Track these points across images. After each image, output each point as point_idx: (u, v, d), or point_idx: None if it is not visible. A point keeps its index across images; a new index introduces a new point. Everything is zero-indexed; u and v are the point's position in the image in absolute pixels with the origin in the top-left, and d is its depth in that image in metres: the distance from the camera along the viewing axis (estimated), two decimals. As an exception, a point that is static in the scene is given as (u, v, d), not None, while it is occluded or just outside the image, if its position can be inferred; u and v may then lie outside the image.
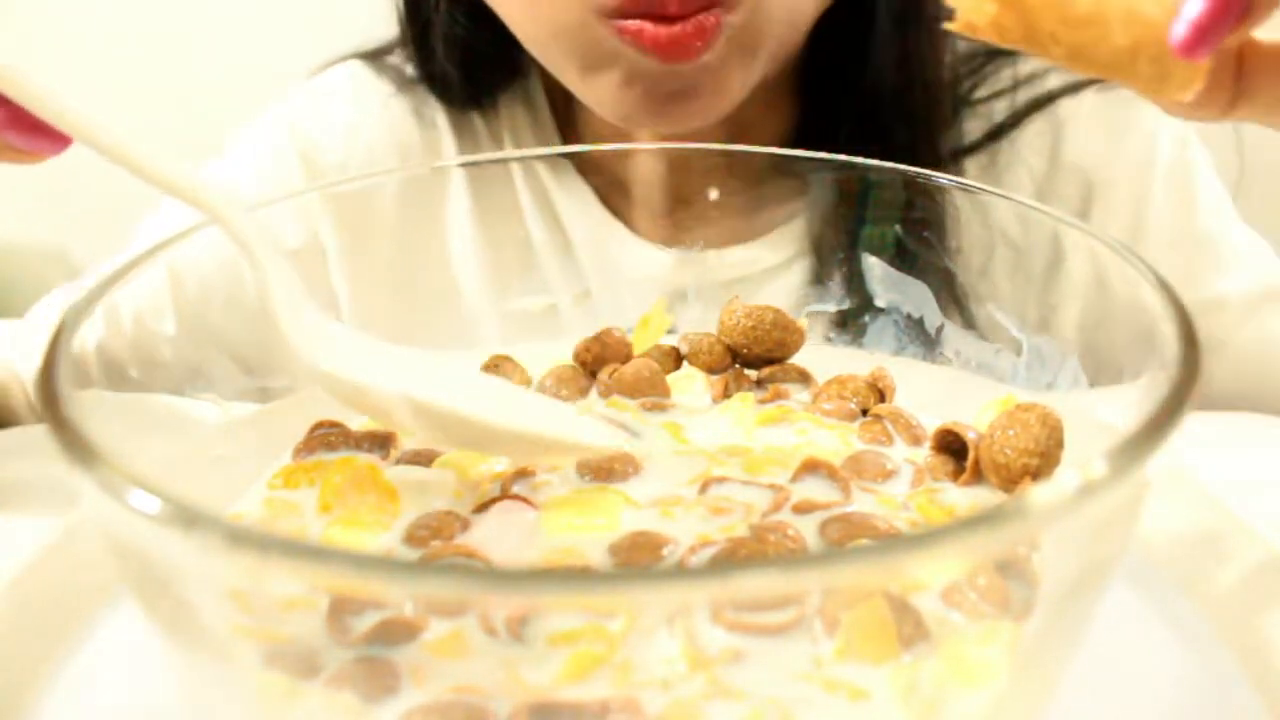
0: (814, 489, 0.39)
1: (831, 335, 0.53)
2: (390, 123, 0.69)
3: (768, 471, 0.40)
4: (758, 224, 0.65)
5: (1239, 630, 0.38)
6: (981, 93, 0.67)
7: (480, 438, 0.38)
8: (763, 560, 0.30)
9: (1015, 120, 0.66)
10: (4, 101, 0.36)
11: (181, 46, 1.44)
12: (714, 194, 0.56)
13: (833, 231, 0.57)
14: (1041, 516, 0.26)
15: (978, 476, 0.40)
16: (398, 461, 0.42)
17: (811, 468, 0.39)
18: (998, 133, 0.66)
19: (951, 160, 0.66)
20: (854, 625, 0.30)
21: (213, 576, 0.27)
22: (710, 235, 0.60)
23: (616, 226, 0.67)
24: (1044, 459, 0.38)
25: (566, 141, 0.70)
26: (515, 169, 0.68)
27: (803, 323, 0.49)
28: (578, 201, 0.68)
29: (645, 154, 0.59)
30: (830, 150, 0.49)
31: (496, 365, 0.48)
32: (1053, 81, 0.66)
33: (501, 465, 0.40)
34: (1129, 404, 0.33)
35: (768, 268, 0.65)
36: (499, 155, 0.71)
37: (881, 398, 0.46)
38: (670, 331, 0.50)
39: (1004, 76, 0.67)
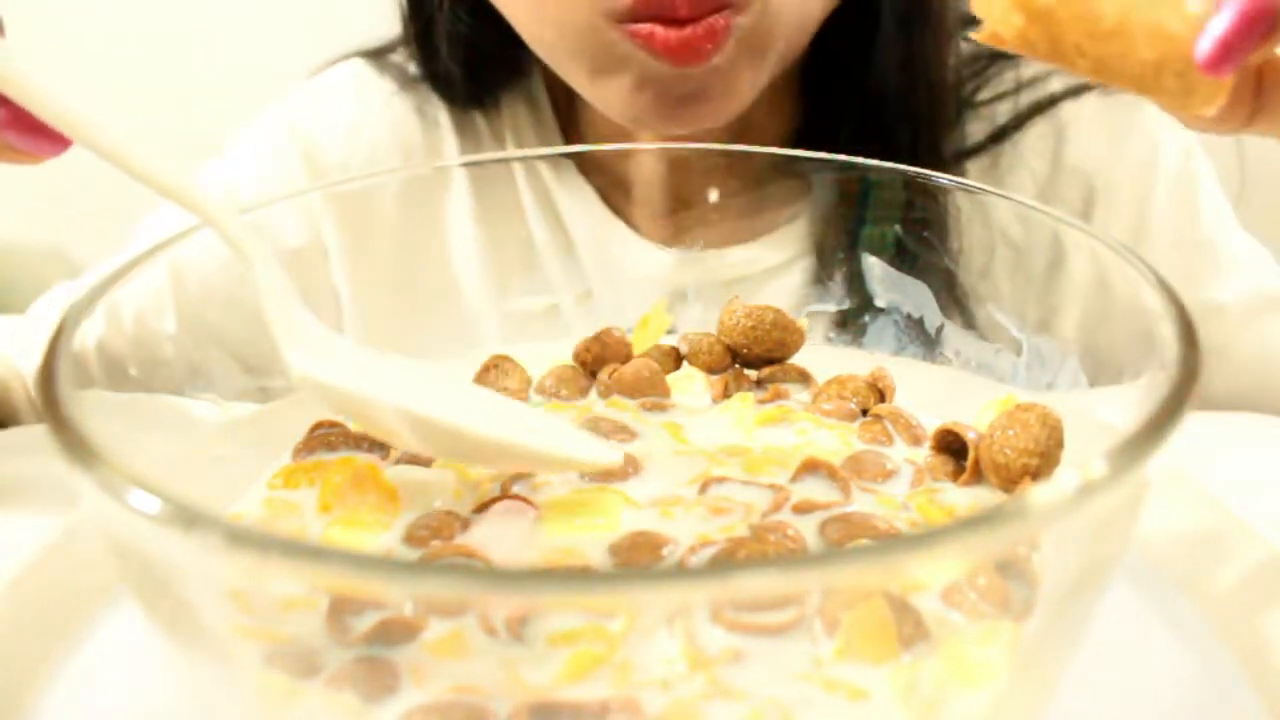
0: (814, 489, 0.39)
1: (831, 335, 0.53)
2: (392, 121, 0.70)
3: (768, 471, 0.40)
4: (759, 224, 0.65)
5: (1239, 630, 0.38)
6: (984, 95, 0.67)
7: (472, 450, 0.38)
8: (763, 560, 0.30)
9: (1018, 123, 0.66)
10: (4, 102, 0.36)
11: (181, 46, 1.44)
12: (715, 194, 0.56)
13: (833, 232, 0.57)
14: (1041, 516, 0.26)
15: (978, 476, 0.40)
16: (398, 461, 0.42)
17: (811, 468, 0.39)
18: (1000, 135, 0.66)
19: (954, 162, 0.66)
20: (854, 625, 0.30)
21: (213, 576, 0.27)
22: (711, 235, 0.60)
23: (618, 226, 0.67)
24: (1044, 459, 0.38)
25: (568, 140, 0.70)
26: (517, 168, 0.68)
27: (803, 323, 0.49)
28: (579, 201, 0.68)
29: (647, 154, 0.59)
30: (833, 151, 0.49)
31: (496, 365, 0.48)
32: (1055, 85, 0.66)
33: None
34: (1129, 404, 0.33)
35: (768, 268, 0.65)
36: (501, 155, 0.71)
37: (881, 398, 0.46)
38: (670, 331, 0.50)
39: (1007, 79, 0.67)
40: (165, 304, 0.59)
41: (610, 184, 0.67)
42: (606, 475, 0.39)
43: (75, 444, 0.27)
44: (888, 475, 0.40)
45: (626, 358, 0.48)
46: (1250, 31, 0.31)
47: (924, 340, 0.50)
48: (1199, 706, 0.36)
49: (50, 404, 0.29)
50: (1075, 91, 0.66)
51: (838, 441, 0.43)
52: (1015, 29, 0.34)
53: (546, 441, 0.39)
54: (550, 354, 0.49)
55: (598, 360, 0.48)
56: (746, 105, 0.58)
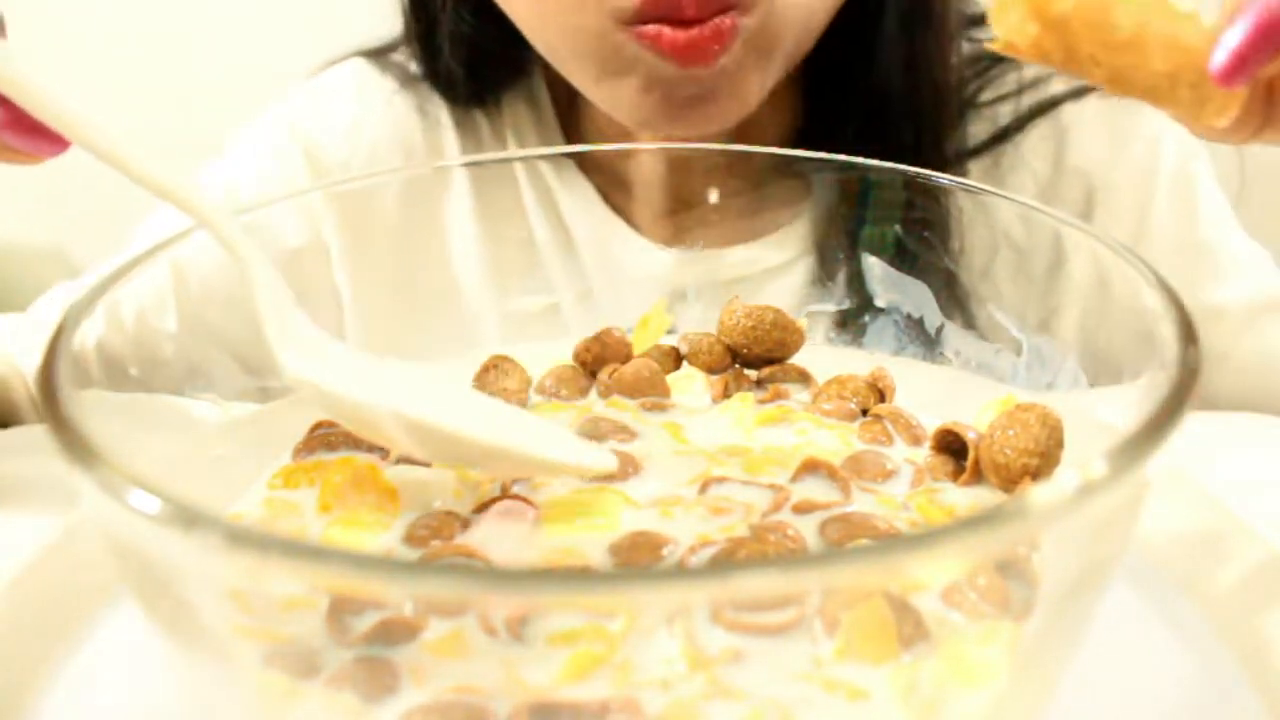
0: (814, 489, 0.39)
1: (831, 335, 0.53)
2: (393, 120, 0.70)
3: (768, 471, 0.40)
4: (759, 224, 0.65)
5: (1239, 630, 0.38)
6: (986, 95, 0.67)
7: (466, 455, 0.38)
8: (763, 560, 0.30)
9: (1019, 124, 0.66)
10: (4, 102, 0.36)
11: (181, 46, 1.44)
12: (716, 194, 0.56)
13: (834, 232, 0.57)
14: (1041, 516, 0.26)
15: (978, 476, 0.40)
16: (398, 461, 0.42)
17: (811, 468, 0.39)
18: (1002, 136, 0.66)
19: (956, 162, 0.66)
20: (854, 625, 0.30)
21: (213, 576, 0.27)
22: (712, 235, 0.60)
23: (619, 225, 0.67)
24: (1044, 459, 0.38)
25: (569, 140, 0.70)
26: (518, 168, 0.68)
27: (803, 323, 0.48)
28: (580, 200, 0.68)
29: (648, 153, 0.59)
30: (836, 151, 0.49)
31: (496, 365, 0.48)
32: (1056, 86, 0.66)
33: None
34: (1129, 404, 0.33)
35: (769, 268, 0.65)
36: (502, 155, 0.71)
37: (881, 398, 0.46)
38: (670, 331, 0.50)
39: (1008, 80, 0.67)
40: (166, 303, 0.59)
41: (611, 183, 0.68)
42: (606, 475, 0.39)
43: (75, 444, 0.27)
44: (888, 475, 0.40)
45: (626, 358, 0.48)
46: (1264, 44, 0.32)
47: (924, 340, 0.50)
48: (1199, 706, 0.36)
49: (50, 404, 0.29)
50: (1077, 93, 0.66)
51: (838, 441, 0.43)
52: (1030, 38, 0.34)
53: (540, 446, 0.39)
54: (550, 354, 0.49)
55: (598, 360, 0.48)
56: (754, 107, 0.59)
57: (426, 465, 0.41)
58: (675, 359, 0.49)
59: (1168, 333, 0.32)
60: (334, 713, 0.29)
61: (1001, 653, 0.30)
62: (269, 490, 0.41)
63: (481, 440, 0.37)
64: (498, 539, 0.36)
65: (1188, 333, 0.31)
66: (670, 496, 0.38)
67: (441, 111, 0.70)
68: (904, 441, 0.43)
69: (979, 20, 0.69)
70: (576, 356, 0.49)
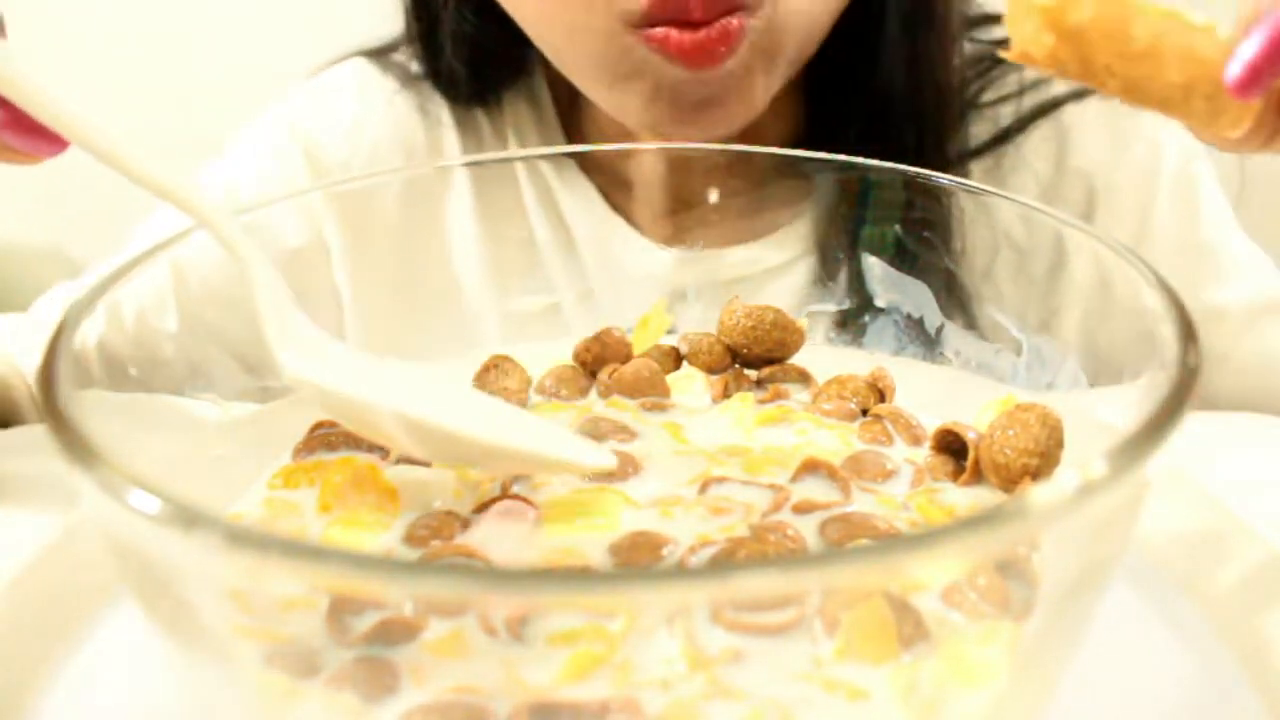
0: (814, 489, 0.39)
1: (831, 335, 0.53)
2: (394, 119, 0.70)
3: (768, 471, 0.40)
4: (759, 224, 0.65)
5: (1239, 630, 0.38)
6: (987, 96, 0.67)
7: (465, 453, 0.38)
8: (763, 560, 0.30)
9: (1021, 125, 0.66)
10: (3, 103, 0.36)
11: (181, 46, 1.44)
12: (716, 194, 0.56)
13: (834, 232, 0.57)
14: (1041, 516, 0.26)
15: (978, 476, 0.40)
16: (398, 461, 0.42)
17: (811, 468, 0.39)
18: (1003, 137, 0.66)
19: (957, 163, 0.66)
20: (854, 625, 0.30)
21: (213, 576, 0.27)
22: (712, 235, 0.60)
23: (620, 225, 0.67)
24: (1044, 459, 0.38)
25: (570, 139, 0.70)
26: (519, 167, 0.68)
27: (803, 323, 0.49)
28: (581, 200, 0.68)
29: (649, 154, 0.59)
30: (839, 152, 0.49)
31: (496, 365, 0.48)
32: (1058, 87, 0.66)
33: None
34: (1129, 404, 0.33)
35: (769, 268, 0.65)
36: (503, 155, 0.71)
37: (881, 398, 0.46)
38: (670, 331, 0.50)
39: (1009, 81, 0.67)
40: (167, 303, 0.59)
41: (612, 183, 0.68)
42: (606, 475, 0.39)
43: (75, 444, 0.27)
44: (888, 475, 0.40)
45: (626, 358, 0.48)
46: (1278, 57, 0.32)
47: (924, 340, 0.50)
48: (1199, 706, 0.36)
49: (50, 404, 0.29)
50: (1078, 95, 0.66)
51: (838, 441, 0.43)
52: (1046, 48, 0.34)
53: (541, 444, 0.39)
54: (550, 354, 0.49)
55: (598, 360, 0.48)
56: (760, 110, 0.59)
57: (426, 465, 0.41)
58: (675, 359, 0.49)
59: (1168, 333, 0.32)
60: (334, 713, 0.29)
61: (1001, 653, 0.30)
62: (269, 490, 0.41)
63: (481, 439, 0.37)
64: (498, 539, 0.36)
65: (1188, 333, 0.31)
66: (670, 496, 0.38)
67: (442, 111, 0.70)
68: (904, 441, 0.43)
69: (980, 21, 0.69)
70: (576, 356, 0.49)
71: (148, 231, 0.67)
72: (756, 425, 0.44)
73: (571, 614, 0.30)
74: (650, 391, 0.46)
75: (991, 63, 0.68)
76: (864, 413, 0.45)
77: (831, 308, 0.54)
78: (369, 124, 0.70)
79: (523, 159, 0.69)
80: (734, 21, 0.54)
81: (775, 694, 0.29)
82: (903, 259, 0.51)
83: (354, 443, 0.43)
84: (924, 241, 0.51)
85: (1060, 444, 0.38)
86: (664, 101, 0.57)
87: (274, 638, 0.30)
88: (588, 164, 0.68)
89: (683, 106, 0.57)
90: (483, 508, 0.38)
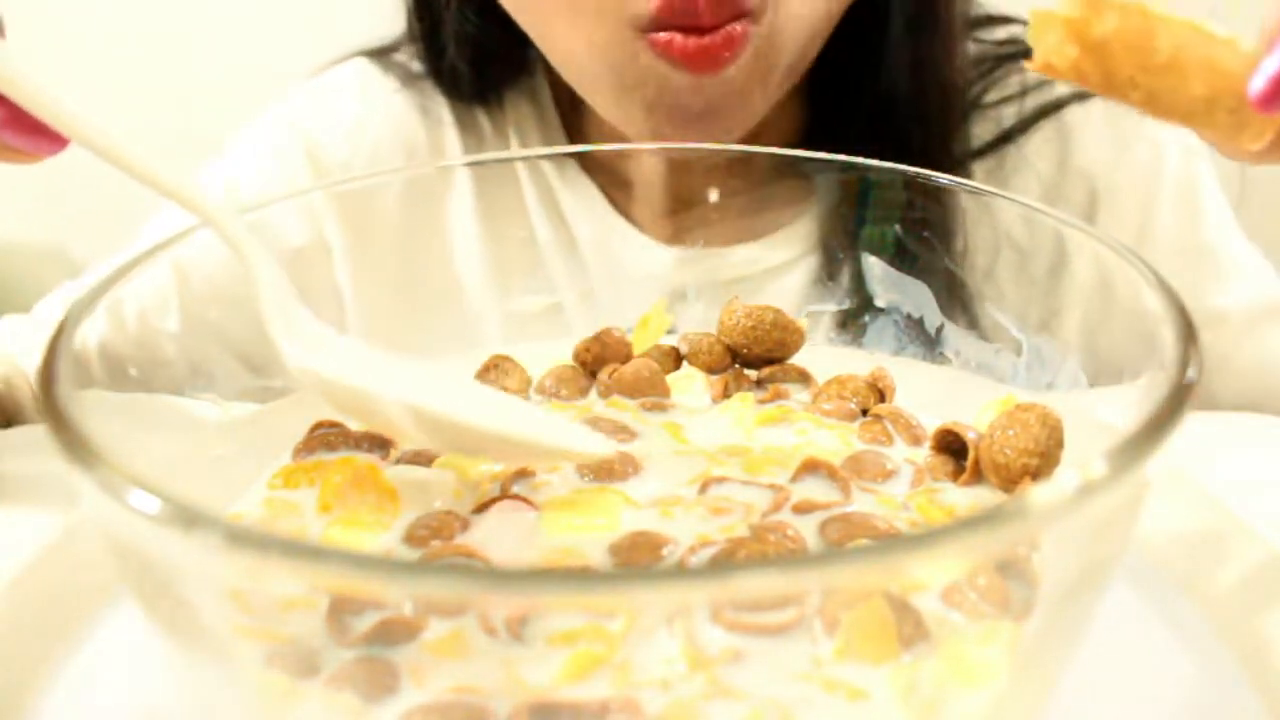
0: (814, 489, 0.39)
1: (832, 335, 0.53)
2: (396, 119, 0.70)
3: (767, 471, 0.40)
4: (760, 224, 0.65)
5: (1239, 630, 0.38)
6: (990, 97, 0.67)
7: (470, 441, 0.38)
8: (763, 560, 0.30)
9: (1023, 126, 0.66)
10: (3, 101, 0.36)
11: (181, 46, 1.44)
12: (717, 194, 0.56)
13: (834, 232, 0.57)
14: (1041, 516, 0.26)
15: (978, 476, 0.40)
16: (398, 461, 0.42)
17: (811, 468, 0.39)
18: (1006, 138, 0.67)
19: (960, 163, 0.66)
20: (854, 625, 0.30)
21: (213, 576, 0.27)
22: (713, 234, 0.60)
23: (622, 224, 0.67)
24: (1044, 459, 0.38)
25: (572, 138, 0.70)
26: (520, 167, 0.68)
27: (803, 323, 0.49)
28: (583, 199, 0.68)
29: (650, 153, 0.60)
30: (841, 152, 0.49)
31: (496, 365, 0.48)
32: (1060, 89, 0.66)
33: (501, 465, 0.40)
34: (1129, 404, 0.33)
35: (769, 267, 0.65)
36: (504, 155, 0.71)
37: (881, 398, 0.46)
38: (670, 331, 0.50)
39: (1012, 82, 0.67)
40: (169, 303, 0.59)
41: (613, 183, 0.68)
42: (606, 475, 0.39)
43: (75, 444, 0.27)
44: (888, 475, 0.40)
45: (626, 358, 0.48)
46: None
47: (924, 340, 0.50)
48: (1199, 706, 0.36)
49: (50, 404, 0.29)
50: (1080, 96, 0.66)
51: (838, 441, 0.43)
52: (1069, 60, 0.34)
53: (543, 432, 0.39)
54: (550, 354, 0.49)
55: (598, 360, 0.48)
56: (758, 120, 0.59)
57: (427, 465, 0.41)
58: (675, 359, 0.49)
59: (1168, 334, 0.32)
60: (334, 713, 0.29)
61: (1001, 653, 0.30)
62: (269, 490, 0.41)
63: (483, 426, 0.38)
64: (498, 539, 0.36)
65: (1188, 334, 0.31)
66: (670, 496, 0.38)
67: (444, 110, 0.70)
68: (904, 441, 0.43)
69: (983, 22, 0.69)
70: (576, 356, 0.49)
71: (154, 232, 0.67)
72: (756, 425, 0.44)
73: (571, 614, 0.30)
74: (650, 391, 0.46)
75: (994, 63, 0.68)
76: (864, 413, 0.45)
77: (832, 308, 0.54)
78: (370, 124, 0.70)
79: (524, 159, 0.69)
80: (738, 28, 0.54)
81: (775, 694, 0.29)
82: (903, 259, 0.51)
83: (354, 443, 0.43)
84: (924, 242, 0.51)
85: (1060, 444, 0.38)
86: (664, 111, 0.57)
87: (274, 638, 0.30)
88: (589, 163, 0.68)
89: (683, 116, 0.57)
90: (483, 508, 0.38)
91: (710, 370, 0.48)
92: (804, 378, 0.48)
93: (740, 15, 0.54)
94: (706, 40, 0.54)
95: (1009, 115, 0.67)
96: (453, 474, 0.40)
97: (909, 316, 0.51)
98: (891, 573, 0.28)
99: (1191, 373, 0.30)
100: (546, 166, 0.68)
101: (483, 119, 0.70)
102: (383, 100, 0.70)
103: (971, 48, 0.67)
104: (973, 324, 0.50)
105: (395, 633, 0.30)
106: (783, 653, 0.30)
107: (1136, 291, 0.35)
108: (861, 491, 0.39)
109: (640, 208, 0.67)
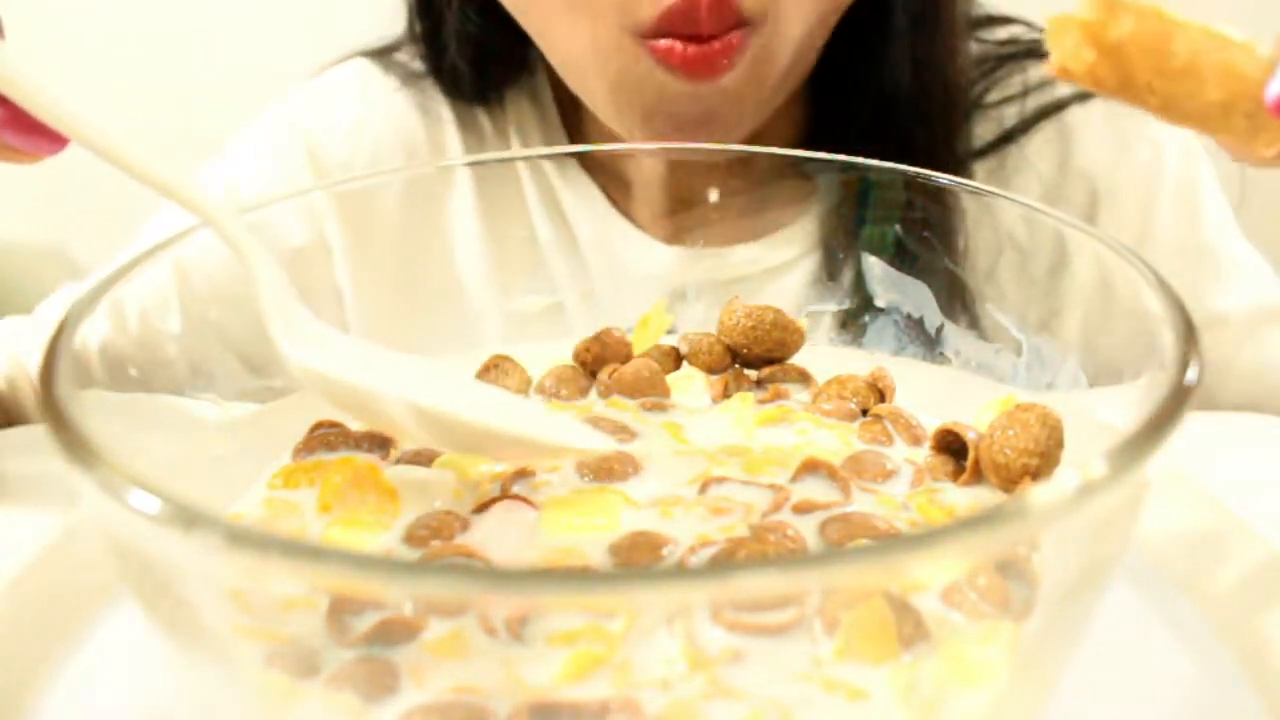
0: (814, 489, 0.39)
1: (832, 335, 0.53)
2: (396, 119, 0.70)
3: (767, 471, 0.40)
4: (760, 224, 0.65)
5: (1239, 630, 0.38)
6: (992, 97, 0.67)
7: (471, 439, 0.38)
8: (763, 560, 0.30)
9: (1024, 126, 0.66)
10: (3, 101, 0.36)
11: (181, 46, 1.44)
12: (718, 194, 0.56)
13: (835, 232, 0.57)
14: (1041, 516, 0.26)
15: (978, 476, 0.40)
16: (398, 461, 0.42)
17: (811, 468, 0.39)
18: (1007, 138, 0.67)
19: (962, 163, 0.66)
20: (854, 625, 0.30)
21: (213, 576, 0.27)
22: (714, 234, 0.60)
23: (622, 224, 0.67)
24: (1044, 459, 0.38)
25: (572, 137, 0.70)
26: (521, 167, 0.68)
27: (803, 323, 0.49)
28: (584, 199, 0.68)
29: (651, 153, 0.60)
30: (843, 152, 0.49)
31: (497, 365, 0.48)
32: (1062, 89, 0.66)
33: (501, 465, 0.40)
34: (1129, 404, 0.33)
35: (770, 267, 0.65)
36: (505, 155, 0.71)
37: (881, 398, 0.46)
38: (670, 331, 0.50)
39: (1014, 82, 0.67)
40: (170, 304, 0.59)
41: (614, 182, 0.68)
42: (606, 475, 0.39)
43: (75, 444, 0.27)
44: (888, 475, 0.40)
45: (626, 358, 0.48)
46: None
47: (924, 340, 0.50)
48: (1199, 706, 0.36)
49: (50, 404, 0.29)
50: (1082, 96, 0.66)
51: (838, 441, 0.43)
52: (1086, 64, 0.34)
53: (543, 429, 0.39)
54: (550, 354, 0.49)
55: (598, 360, 0.48)
56: (754, 127, 0.59)
57: (428, 465, 0.41)
58: (675, 359, 0.49)
59: (1169, 334, 0.32)
60: (334, 713, 0.29)
61: (1001, 653, 0.30)
62: (269, 490, 0.41)
63: (484, 423, 0.38)
64: (498, 539, 0.36)
65: (1188, 334, 0.31)
66: (670, 496, 0.38)
67: (444, 110, 0.70)
68: (904, 441, 0.43)
69: (984, 22, 0.69)
70: (576, 356, 0.49)
71: (154, 231, 0.67)
72: (756, 425, 0.44)
73: (571, 614, 0.30)
74: (650, 391, 0.46)
75: (996, 63, 0.68)
76: (864, 413, 0.45)
77: (832, 308, 0.54)
78: (370, 123, 0.70)
79: (525, 158, 0.69)
80: (736, 36, 0.54)
81: (775, 694, 0.29)
82: (903, 259, 0.51)
83: (354, 443, 0.43)
84: (924, 242, 0.51)
85: (1060, 444, 0.38)
86: (662, 117, 0.57)
87: (274, 638, 0.30)
88: (590, 163, 0.68)
89: (680, 123, 0.57)
90: (483, 508, 0.38)
91: (710, 370, 0.48)
92: (804, 378, 0.48)
93: (740, 24, 0.54)
94: (706, 48, 0.54)
95: (1010, 115, 0.67)
96: (453, 474, 0.40)
97: (909, 316, 0.51)
98: (891, 573, 0.28)
99: (1191, 373, 0.30)
100: (547, 166, 0.68)
101: (483, 118, 0.70)
102: (383, 100, 0.70)
103: (973, 47, 0.67)
104: (973, 324, 0.50)
105: (395, 633, 0.30)
106: (783, 653, 0.30)
107: (1137, 292, 0.35)
108: (861, 491, 0.39)
109: (641, 207, 0.67)
